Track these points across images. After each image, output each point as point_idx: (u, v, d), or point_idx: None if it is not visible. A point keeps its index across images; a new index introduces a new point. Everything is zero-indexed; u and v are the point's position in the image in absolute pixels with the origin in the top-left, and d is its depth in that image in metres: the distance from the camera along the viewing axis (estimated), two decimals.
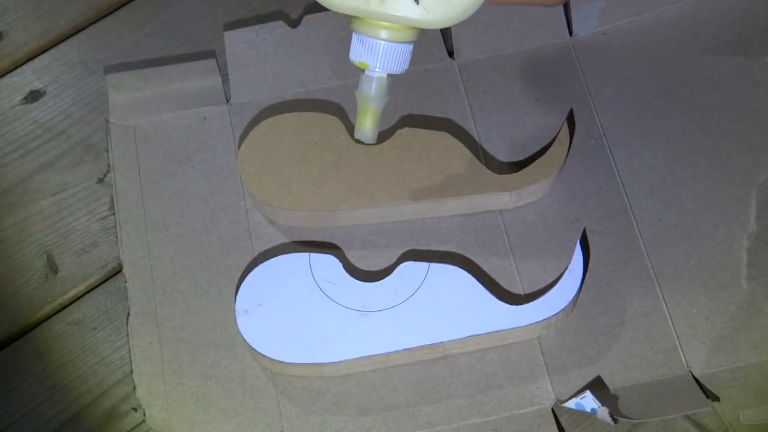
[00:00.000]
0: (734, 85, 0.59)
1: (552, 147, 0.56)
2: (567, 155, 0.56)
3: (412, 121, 0.59)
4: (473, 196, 0.55)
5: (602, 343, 0.52)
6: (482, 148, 0.58)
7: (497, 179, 0.55)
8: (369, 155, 0.56)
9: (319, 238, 0.56)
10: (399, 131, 0.57)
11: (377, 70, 0.48)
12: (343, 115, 0.59)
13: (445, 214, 0.56)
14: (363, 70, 0.48)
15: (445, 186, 0.55)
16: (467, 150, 0.56)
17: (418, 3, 0.45)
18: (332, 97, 0.60)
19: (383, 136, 0.57)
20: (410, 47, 0.48)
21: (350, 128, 0.59)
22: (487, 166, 0.55)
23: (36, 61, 0.64)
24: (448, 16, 0.45)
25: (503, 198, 0.55)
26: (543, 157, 0.55)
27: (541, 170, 0.55)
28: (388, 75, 0.48)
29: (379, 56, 0.47)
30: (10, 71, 0.64)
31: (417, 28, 0.46)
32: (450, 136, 0.56)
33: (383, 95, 0.49)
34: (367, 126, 0.50)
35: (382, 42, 0.46)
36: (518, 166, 0.56)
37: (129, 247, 0.56)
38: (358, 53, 0.47)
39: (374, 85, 0.48)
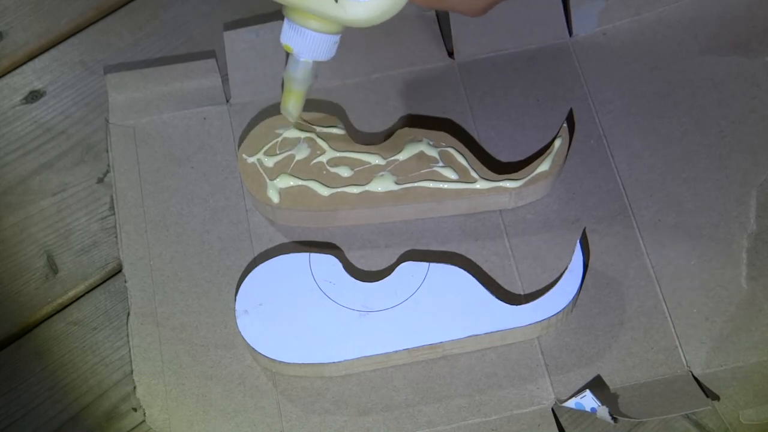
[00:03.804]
0: (734, 85, 0.59)
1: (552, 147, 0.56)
2: (567, 155, 0.56)
3: (412, 121, 0.59)
4: (473, 196, 0.55)
5: (602, 343, 0.52)
6: (482, 148, 0.58)
7: (497, 179, 0.55)
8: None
9: (319, 238, 0.56)
10: (399, 131, 0.57)
11: (302, 56, 0.50)
12: (343, 115, 0.59)
13: (445, 214, 0.56)
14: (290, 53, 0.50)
15: (445, 186, 0.55)
16: (467, 150, 0.56)
17: (337, 1, 0.46)
18: (332, 97, 0.60)
19: (383, 136, 0.57)
20: (336, 38, 0.50)
21: (350, 128, 0.59)
22: (487, 166, 0.55)
23: (36, 61, 0.64)
24: (366, 16, 0.46)
25: (503, 198, 0.55)
26: (543, 156, 0.55)
27: (541, 170, 0.55)
28: (314, 60, 0.50)
29: (305, 44, 0.49)
30: (10, 71, 0.64)
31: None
32: (450, 136, 0.56)
33: (308, 78, 0.51)
34: (290, 104, 0.53)
35: (309, 31, 0.49)
36: (518, 166, 0.56)
37: (129, 247, 0.56)
38: (287, 36, 0.50)
39: (300, 68, 0.51)
